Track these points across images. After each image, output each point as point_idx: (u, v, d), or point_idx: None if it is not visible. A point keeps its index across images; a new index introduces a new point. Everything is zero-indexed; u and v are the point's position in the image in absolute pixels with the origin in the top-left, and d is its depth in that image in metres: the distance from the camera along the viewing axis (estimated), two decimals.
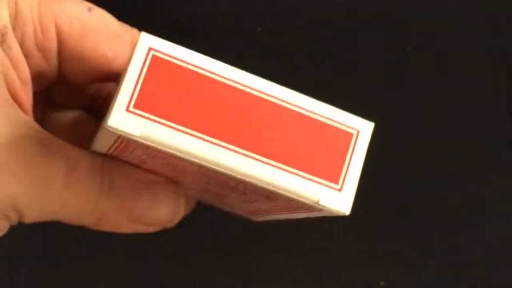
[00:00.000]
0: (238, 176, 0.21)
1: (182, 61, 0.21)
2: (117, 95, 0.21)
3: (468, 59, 0.44)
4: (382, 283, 0.41)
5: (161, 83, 0.21)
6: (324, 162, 0.22)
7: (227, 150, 0.21)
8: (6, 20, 0.24)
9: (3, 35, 0.23)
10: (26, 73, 0.25)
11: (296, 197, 0.22)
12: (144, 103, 0.21)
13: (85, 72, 0.26)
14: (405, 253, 0.42)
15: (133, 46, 0.21)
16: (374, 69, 0.44)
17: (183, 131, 0.21)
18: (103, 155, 0.25)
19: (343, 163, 0.22)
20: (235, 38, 0.42)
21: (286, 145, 0.22)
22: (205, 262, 0.41)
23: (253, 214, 0.33)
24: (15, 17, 0.24)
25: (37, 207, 0.23)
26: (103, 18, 0.26)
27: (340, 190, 0.22)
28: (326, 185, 0.22)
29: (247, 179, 0.21)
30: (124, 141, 0.22)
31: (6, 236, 0.40)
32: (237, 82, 0.21)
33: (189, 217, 0.30)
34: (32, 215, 0.24)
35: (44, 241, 0.40)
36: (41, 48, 0.25)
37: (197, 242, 0.41)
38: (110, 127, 0.20)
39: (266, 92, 0.22)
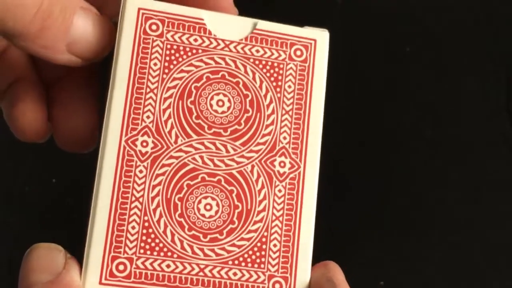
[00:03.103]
0: None
1: None
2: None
3: (468, 59, 0.44)
4: (382, 283, 0.41)
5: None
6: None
7: None
8: None
9: None
10: None
11: None
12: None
13: None
14: (405, 253, 0.42)
15: None
16: (374, 69, 0.44)
17: None
18: None
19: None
20: None
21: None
22: None
23: None
24: None
25: None
26: None
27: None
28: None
29: None
30: None
31: (8, 237, 0.40)
32: None
33: None
34: None
35: None
36: None
37: None
38: None
39: None
